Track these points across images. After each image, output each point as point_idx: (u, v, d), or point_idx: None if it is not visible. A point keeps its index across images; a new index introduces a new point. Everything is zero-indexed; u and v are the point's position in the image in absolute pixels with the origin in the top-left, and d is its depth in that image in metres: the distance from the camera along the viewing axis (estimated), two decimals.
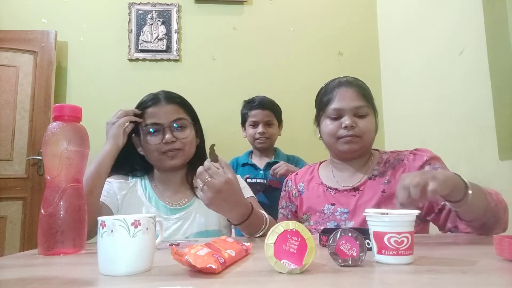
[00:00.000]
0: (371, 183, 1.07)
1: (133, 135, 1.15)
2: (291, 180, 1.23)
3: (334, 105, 1.06)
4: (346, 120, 1.04)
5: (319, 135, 1.15)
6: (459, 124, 1.92)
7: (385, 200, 1.03)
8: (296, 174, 1.24)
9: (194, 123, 1.16)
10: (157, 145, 1.09)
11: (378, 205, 1.03)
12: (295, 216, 1.19)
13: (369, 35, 2.95)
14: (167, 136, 1.08)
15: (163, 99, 1.12)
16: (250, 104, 1.81)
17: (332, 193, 1.11)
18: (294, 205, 1.19)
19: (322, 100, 1.11)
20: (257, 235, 0.97)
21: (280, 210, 1.24)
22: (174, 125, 1.10)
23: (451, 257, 0.68)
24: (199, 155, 1.18)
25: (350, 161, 1.12)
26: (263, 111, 1.78)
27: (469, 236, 0.92)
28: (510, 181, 1.58)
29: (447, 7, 2.05)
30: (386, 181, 1.06)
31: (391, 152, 1.13)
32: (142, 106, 1.13)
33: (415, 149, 1.09)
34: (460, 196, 0.79)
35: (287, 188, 1.23)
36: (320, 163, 1.24)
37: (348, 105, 1.05)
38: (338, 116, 1.06)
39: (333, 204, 1.09)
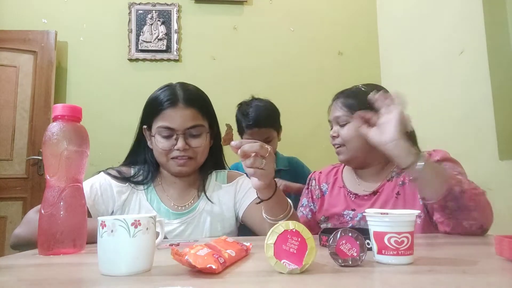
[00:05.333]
0: (389, 185, 1.09)
1: (144, 126, 1.09)
2: (315, 179, 1.23)
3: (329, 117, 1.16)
4: (330, 131, 1.13)
5: None
6: (459, 124, 1.92)
7: (400, 202, 1.04)
8: (320, 173, 1.25)
9: (211, 127, 1.10)
10: (164, 150, 1.03)
11: (393, 208, 1.04)
12: (314, 216, 1.20)
13: (369, 35, 2.95)
14: (180, 144, 1.01)
15: (181, 101, 1.03)
16: (246, 120, 1.61)
17: (353, 199, 1.12)
18: (316, 205, 1.20)
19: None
20: (283, 218, 0.89)
21: (299, 209, 1.24)
22: (189, 132, 1.04)
23: (451, 257, 0.68)
24: (212, 159, 1.14)
25: (363, 169, 1.14)
26: (259, 129, 1.58)
27: (469, 236, 0.92)
28: (510, 181, 1.59)
29: (447, 7, 2.05)
30: (401, 183, 1.07)
31: None
32: (158, 105, 1.04)
33: (433, 150, 1.10)
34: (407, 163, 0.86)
35: (310, 187, 1.24)
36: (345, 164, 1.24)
37: (331, 116, 1.13)
38: (331, 126, 1.14)
39: (353, 210, 1.10)
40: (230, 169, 1.30)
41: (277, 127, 1.69)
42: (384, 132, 0.89)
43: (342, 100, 1.11)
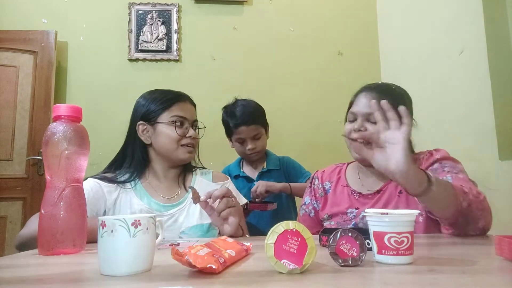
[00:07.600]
0: (392, 184, 1.08)
1: (141, 122, 1.16)
2: (318, 178, 1.23)
3: (352, 108, 1.10)
4: (356, 124, 1.06)
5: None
6: (459, 124, 1.92)
7: (402, 200, 1.04)
8: (323, 171, 1.24)
9: None
10: (179, 136, 1.14)
11: (396, 207, 1.03)
12: (318, 214, 1.19)
13: (369, 35, 2.95)
14: (192, 132, 1.17)
15: (187, 99, 1.22)
16: (233, 120, 1.64)
17: (356, 197, 1.11)
18: (319, 204, 1.19)
19: (349, 103, 1.15)
20: None
21: (302, 207, 1.24)
22: (195, 124, 1.21)
23: (451, 257, 0.68)
24: None
25: (371, 166, 1.11)
26: (247, 127, 1.62)
27: (469, 236, 0.92)
28: (510, 181, 1.59)
29: (447, 7, 2.05)
30: None
31: (415, 153, 1.13)
32: (170, 98, 1.18)
33: (434, 149, 1.09)
34: (418, 190, 0.79)
35: (313, 186, 1.23)
36: (348, 164, 1.23)
37: (361, 110, 1.06)
38: (354, 119, 1.08)
39: (357, 208, 1.10)
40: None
41: (264, 124, 1.71)
42: (389, 158, 0.79)
43: (374, 95, 1.05)
